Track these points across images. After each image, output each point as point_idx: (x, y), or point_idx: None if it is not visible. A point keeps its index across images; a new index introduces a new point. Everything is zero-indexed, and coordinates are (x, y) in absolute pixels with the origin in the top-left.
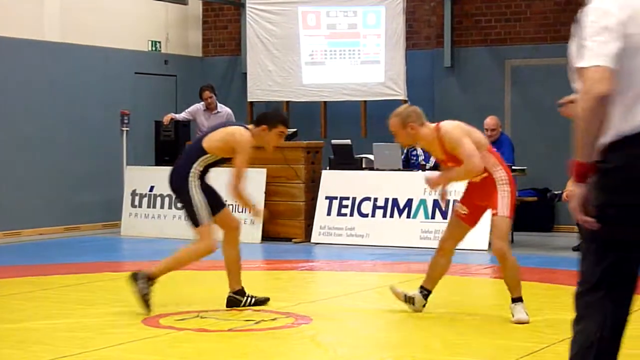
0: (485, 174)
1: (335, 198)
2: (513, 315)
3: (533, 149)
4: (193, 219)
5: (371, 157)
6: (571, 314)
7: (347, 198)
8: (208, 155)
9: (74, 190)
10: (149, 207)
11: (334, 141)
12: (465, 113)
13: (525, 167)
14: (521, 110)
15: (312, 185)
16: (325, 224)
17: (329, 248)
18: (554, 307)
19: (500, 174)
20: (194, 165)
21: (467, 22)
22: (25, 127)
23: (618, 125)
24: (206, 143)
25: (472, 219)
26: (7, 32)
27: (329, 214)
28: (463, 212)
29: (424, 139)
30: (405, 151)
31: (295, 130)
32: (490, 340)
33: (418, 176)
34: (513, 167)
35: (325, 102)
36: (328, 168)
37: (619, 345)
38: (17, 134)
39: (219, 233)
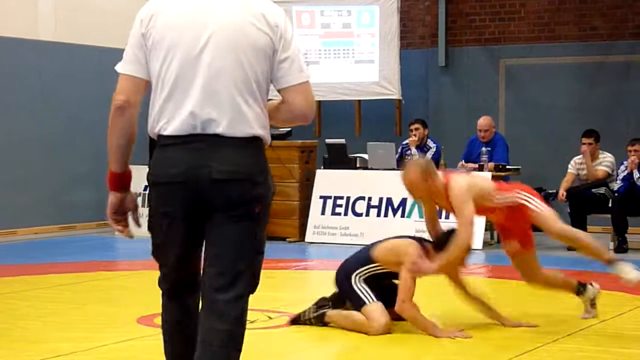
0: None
1: (330, 197)
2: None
3: (527, 149)
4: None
5: (365, 156)
6: (565, 311)
7: (342, 197)
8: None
9: (69, 190)
10: (143, 206)
11: (328, 140)
12: (460, 112)
13: (519, 167)
14: (515, 110)
15: (307, 185)
16: (320, 224)
17: (323, 247)
18: (549, 306)
19: (520, 198)
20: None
21: (462, 22)
22: (19, 126)
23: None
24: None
25: (525, 243)
26: (1, 31)
27: (323, 213)
28: (516, 247)
29: (438, 194)
30: (399, 150)
31: (289, 129)
32: (485, 339)
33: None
34: (507, 167)
35: (319, 101)
36: (322, 167)
37: None
38: (11, 133)
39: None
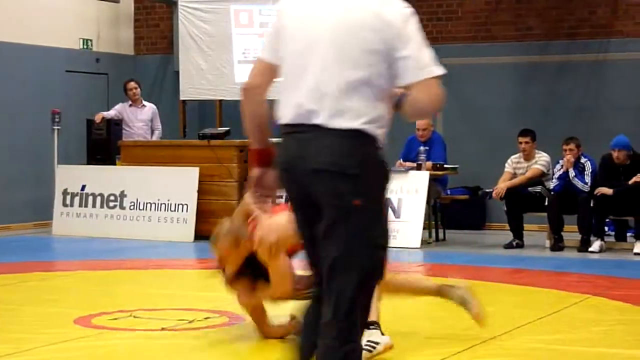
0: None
1: None
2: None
3: (465, 148)
4: None
5: None
6: (501, 311)
7: (281, 196)
8: None
9: (4, 190)
10: (80, 206)
11: None
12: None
13: (457, 166)
14: (453, 109)
15: (245, 184)
16: None
17: None
18: (486, 304)
19: None
20: None
21: None
22: None
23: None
24: None
25: None
26: None
27: None
28: None
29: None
30: None
31: (227, 129)
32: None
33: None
34: (445, 166)
35: None
36: None
37: None
38: None
39: None
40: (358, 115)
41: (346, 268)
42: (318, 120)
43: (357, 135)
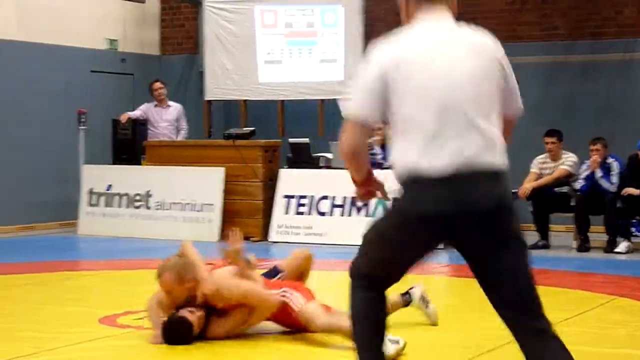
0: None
1: (293, 197)
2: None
3: None
4: None
5: (329, 155)
6: None
7: (305, 197)
8: None
9: (31, 189)
10: (106, 206)
11: (291, 140)
12: None
13: None
14: None
15: (270, 184)
16: (283, 223)
17: (287, 247)
18: None
19: (284, 296)
20: None
21: None
22: None
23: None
24: None
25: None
26: None
27: (286, 212)
28: None
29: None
30: None
31: (252, 129)
32: (455, 335)
33: (376, 175)
34: None
35: (282, 100)
36: (286, 167)
37: None
38: None
39: None
40: None
41: None
42: None
43: None
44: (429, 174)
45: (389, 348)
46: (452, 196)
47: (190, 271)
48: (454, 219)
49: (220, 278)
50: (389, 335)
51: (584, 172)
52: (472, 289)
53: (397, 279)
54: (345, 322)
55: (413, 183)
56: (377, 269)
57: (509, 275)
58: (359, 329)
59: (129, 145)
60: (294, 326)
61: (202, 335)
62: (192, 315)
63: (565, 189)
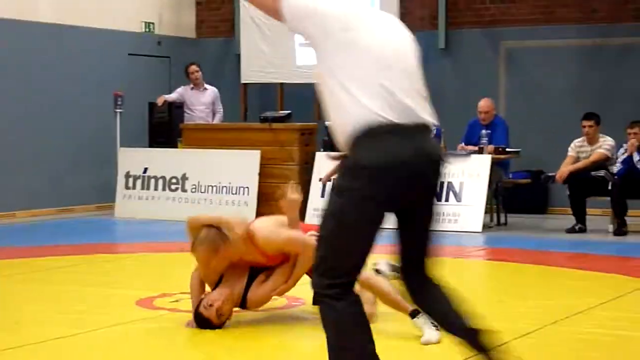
0: None
1: (329, 180)
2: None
3: (527, 132)
4: None
5: None
6: (563, 296)
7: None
8: None
9: (68, 172)
10: (142, 189)
11: (327, 122)
12: (459, 95)
13: (519, 149)
14: (516, 93)
15: (306, 167)
16: (319, 206)
17: None
18: (548, 288)
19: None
20: None
21: (461, 4)
22: (18, 109)
23: None
24: None
25: None
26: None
27: (322, 195)
28: None
29: (237, 252)
30: None
31: (289, 112)
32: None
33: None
34: (507, 149)
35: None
36: (322, 150)
37: None
38: (9, 116)
39: None
40: None
41: None
42: None
43: None
44: (384, 124)
45: (434, 335)
46: (410, 144)
47: (222, 238)
48: (414, 165)
49: (261, 226)
50: (429, 321)
51: (622, 155)
52: (507, 271)
53: (363, 262)
54: (382, 282)
55: (367, 136)
56: (345, 260)
57: (424, 232)
58: (352, 337)
59: (165, 128)
60: None
61: (244, 305)
62: (208, 310)
63: (602, 172)
